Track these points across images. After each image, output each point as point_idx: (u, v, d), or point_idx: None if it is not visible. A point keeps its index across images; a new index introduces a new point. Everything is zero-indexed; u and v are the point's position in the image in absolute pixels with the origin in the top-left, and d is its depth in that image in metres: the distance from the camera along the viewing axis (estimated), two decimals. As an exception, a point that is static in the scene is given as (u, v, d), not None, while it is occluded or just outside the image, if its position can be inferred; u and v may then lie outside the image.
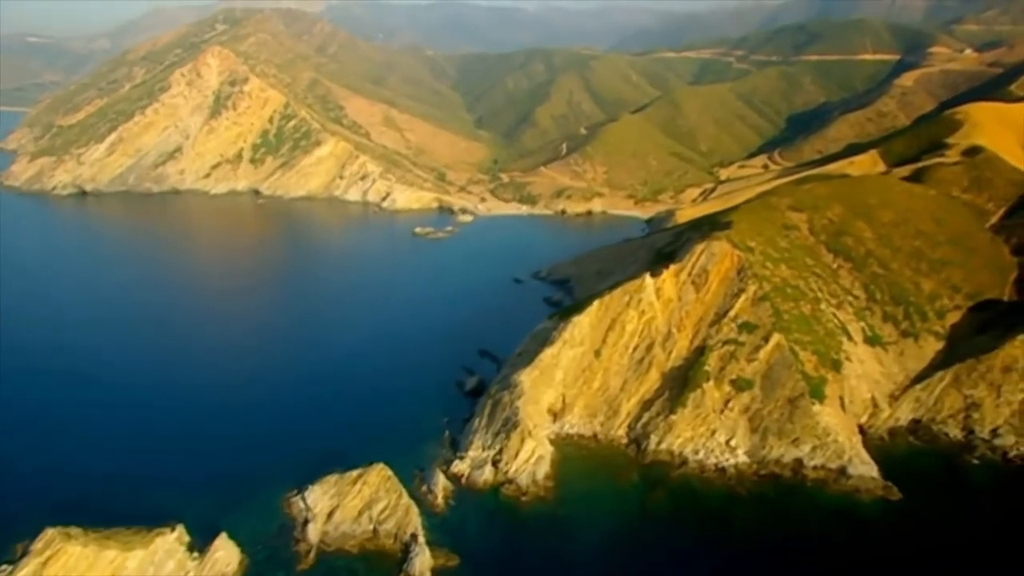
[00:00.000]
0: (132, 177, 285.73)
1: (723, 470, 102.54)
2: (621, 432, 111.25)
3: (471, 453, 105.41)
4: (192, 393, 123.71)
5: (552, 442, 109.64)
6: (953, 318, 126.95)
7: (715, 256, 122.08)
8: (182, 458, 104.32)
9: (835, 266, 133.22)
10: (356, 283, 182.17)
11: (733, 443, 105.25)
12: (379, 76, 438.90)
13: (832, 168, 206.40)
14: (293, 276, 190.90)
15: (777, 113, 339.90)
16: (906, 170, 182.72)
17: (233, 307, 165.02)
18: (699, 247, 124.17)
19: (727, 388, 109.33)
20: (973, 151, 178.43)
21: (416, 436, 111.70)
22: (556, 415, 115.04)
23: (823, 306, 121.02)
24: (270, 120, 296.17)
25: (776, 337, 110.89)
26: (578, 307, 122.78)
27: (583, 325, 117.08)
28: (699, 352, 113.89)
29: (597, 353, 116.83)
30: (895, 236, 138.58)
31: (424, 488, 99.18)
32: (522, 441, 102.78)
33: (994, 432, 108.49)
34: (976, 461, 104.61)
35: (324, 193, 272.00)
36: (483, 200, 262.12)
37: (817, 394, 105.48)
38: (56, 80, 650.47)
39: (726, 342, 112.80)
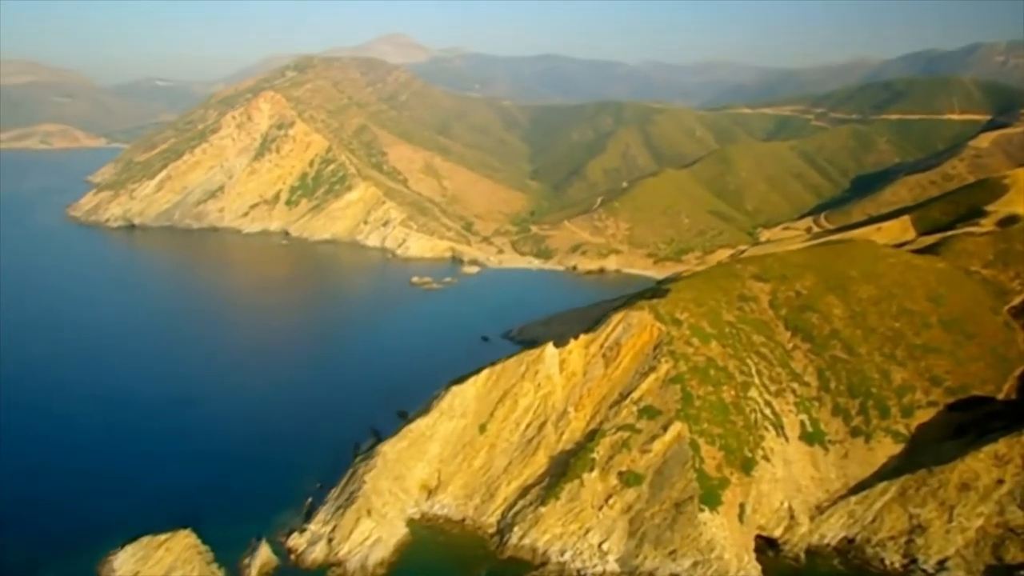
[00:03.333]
0: (177, 213, 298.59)
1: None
2: (493, 519, 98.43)
3: (312, 527, 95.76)
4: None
5: (414, 523, 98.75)
6: (924, 417, 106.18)
7: (631, 328, 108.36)
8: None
9: (790, 346, 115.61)
10: (318, 329, 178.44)
11: (606, 547, 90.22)
12: (445, 124, 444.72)
13: (857, 234, 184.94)
14: (260, 316, 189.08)
15: (843, 173, 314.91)
16: (933, 239, 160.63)
17: (177, 342, 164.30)
18: (616, 317, 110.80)
19: (613, 481, 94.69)
20: (1010, 220, 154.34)
21: (282, 500, 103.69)
22: (431, 492, 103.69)
23: (753, 393, 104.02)
24: (310, 164, 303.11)
25: (677, 427, 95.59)
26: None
27: (466, 395, 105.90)
28: (592, 436, 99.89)
29: (482, 428, 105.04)
30: (871, 315, 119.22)
31: (246, 561, 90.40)
32: (357, 520, 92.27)
33: (941, 564, 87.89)
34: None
35: (348, 237, 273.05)
36: (500, 252, 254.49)
37: (710, 500, 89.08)
38: (170, 120, 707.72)
39: (621, 427, 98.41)
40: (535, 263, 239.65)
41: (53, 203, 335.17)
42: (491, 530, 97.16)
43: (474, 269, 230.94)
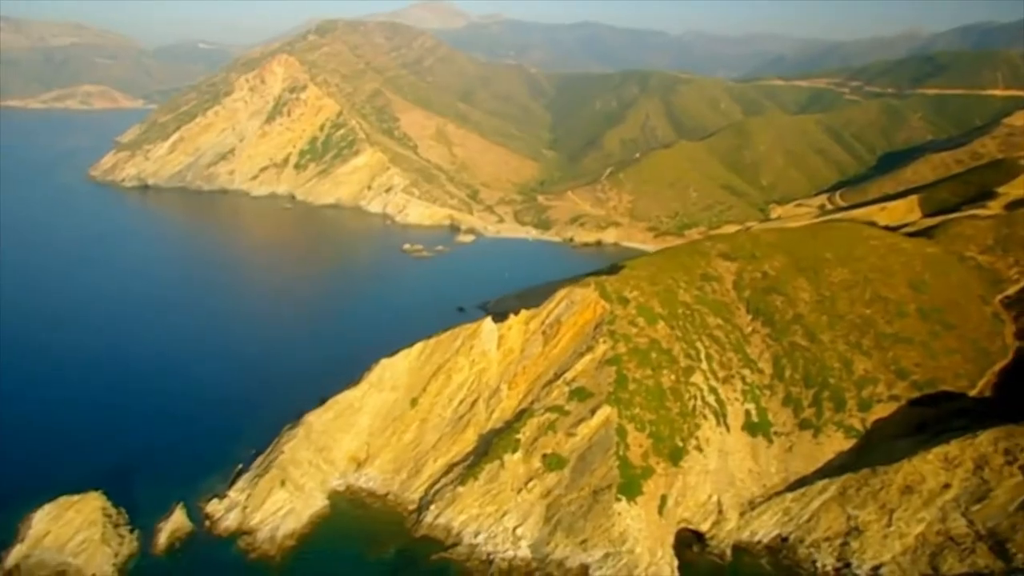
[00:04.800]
0: (189, 174, 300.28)
1: (492, 562, 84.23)
2: (416, 496, 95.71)
3: (231, 494, 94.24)
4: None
5: (338, 495, 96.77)
6: (882, 411, 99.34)
7: (574, 305, 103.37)
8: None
9: (749, 330, 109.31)
10: (297, 294, 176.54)
11: (520, 532, 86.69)
12: (468, 91, 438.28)
13: (860, 214, 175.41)
14: (241, 280, 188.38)
15: (870, 150, 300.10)
16: (935, 220, 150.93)
17: (150, 303, 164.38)
18: (560, 293, 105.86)
19: (536, 464, 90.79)
20: (1019, 203, 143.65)
21: (217, 464, 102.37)
22: (360, 465, 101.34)
23: (697, 378, 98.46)
24: (321, 128, 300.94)
25: (605, 411, 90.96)
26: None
27: (397, 368, 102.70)
28: (522, 416, 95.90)
29: (414, 402, 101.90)
30: (841, 300, 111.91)
31: (160, 525, 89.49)
32: (270, 490, 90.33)
33: (875, 570, 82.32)
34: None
35: (352, 202, 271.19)
36: (500, 221, 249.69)
37: (630, 489, 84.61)
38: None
39: (550, 409, 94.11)
40: (532, 233, 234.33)
41: (79, 163, 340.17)
42: (412, 507, 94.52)
43: (469, 238, 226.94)
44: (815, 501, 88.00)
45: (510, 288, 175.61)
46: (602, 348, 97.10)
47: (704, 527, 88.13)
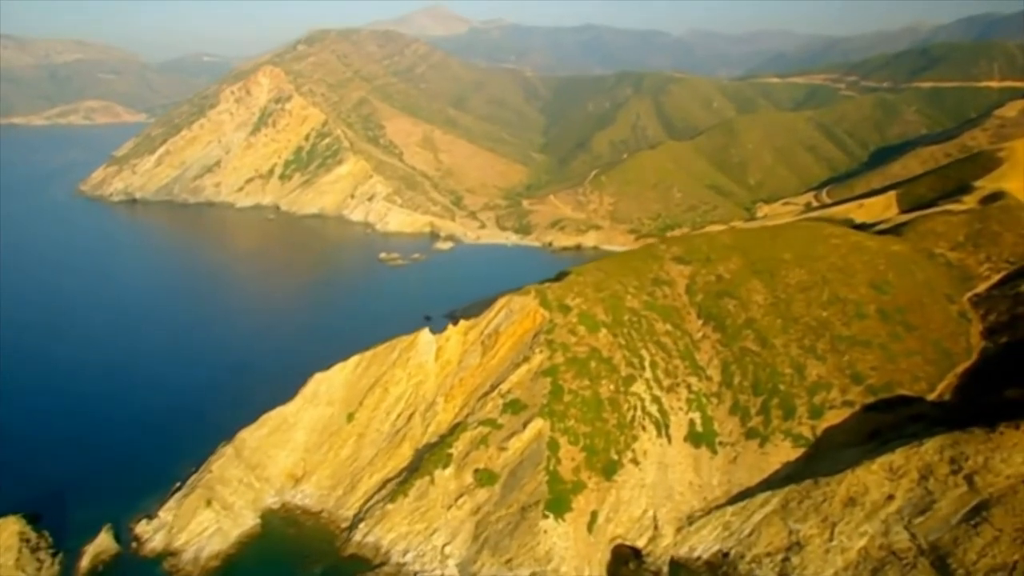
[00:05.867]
0: (176, 187, 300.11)
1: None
2: (350, 513, 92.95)
3: (161, 514, 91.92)
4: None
5: (272, 513, 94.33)
6: (834, 418, 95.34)
7: (513, 314, 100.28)
8: None
9: (699, 336, 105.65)
10: (265, 306, 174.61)
11: (448, 550, 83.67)
12: (461, 97, 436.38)
13: (837, 211, 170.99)
14: (210, 292, 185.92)
15: (862, 145, 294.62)
16: (910, 216, 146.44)
17: (115, 315, 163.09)
18: (500, 302, 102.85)
19: (468, 480, 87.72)
20: (994, 197, 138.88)
21: (157, 483, 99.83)
22: (298, 481, 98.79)
23: (639, 387, 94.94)
24: (306, 138, 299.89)
25: (537, 424, 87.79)
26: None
27: (332, 382, 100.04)
28: (455, 430, 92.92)
29: (350, 416, 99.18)
30: (797, 302, 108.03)
31: (86, 547, 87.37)
32: (195, 510, 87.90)
33: (816, 587, 78.11)
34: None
35: (335, 212, 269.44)
36: (482, 227, 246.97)
37: (558, 506, 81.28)
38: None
39: (483, 422, 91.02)
40: (512, 239, 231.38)
41: (71, 178, 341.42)
42: (345, 524, 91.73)
43: (447, 245, 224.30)
44: (757, 514, 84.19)
45: (486, 295, 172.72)
46: (538, 358, 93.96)
47: (640, 543, 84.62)
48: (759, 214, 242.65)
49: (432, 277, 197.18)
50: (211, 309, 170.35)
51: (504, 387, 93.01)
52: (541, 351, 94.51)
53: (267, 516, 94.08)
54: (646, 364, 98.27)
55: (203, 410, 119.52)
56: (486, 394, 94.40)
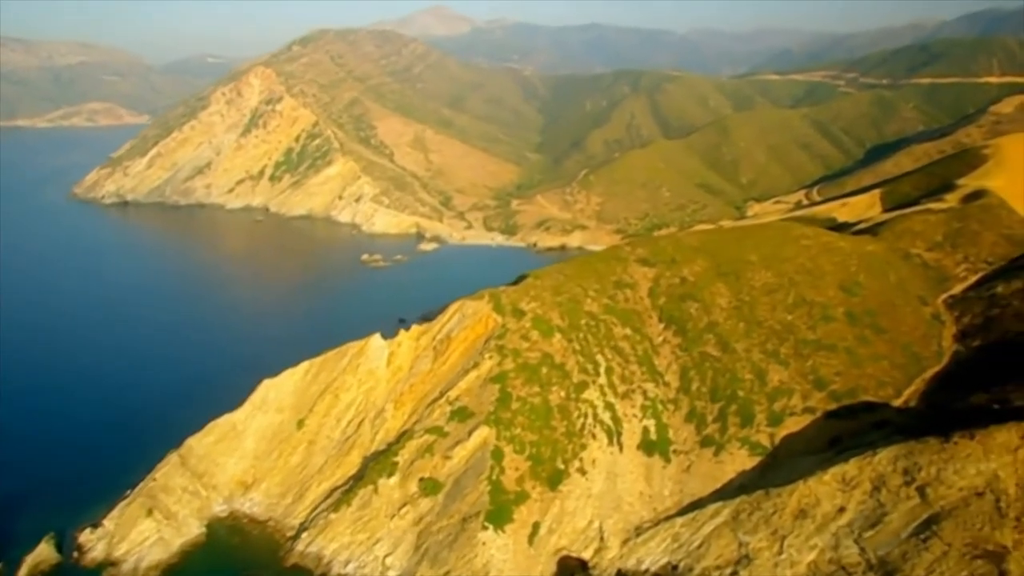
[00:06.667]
0: (168, 189, 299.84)
1: (357, 595, 79.21)
2: (297, 522, 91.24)
3: (106, 522, 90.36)
4: None
5: (219, 521, 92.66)
6: (794, 425, 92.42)
7: (465, 319, 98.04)
8: None
9: (660, 340, 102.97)
10: (241, 309, 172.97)
11: (389, 561, 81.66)
12: (458, 97, 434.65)
13: (821, 210, 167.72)
14: (187, 295, 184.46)
15: (858, 143, 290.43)
16: (892, 216, 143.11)
17: (86, 319, 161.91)
18: (453, 306, 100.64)
19: (412, 489, 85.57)
20: (975, 196, 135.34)
21: (112, 490, 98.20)
22: (247, 489, 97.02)
23: (592, 394, 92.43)
24: (296, 139, 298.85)
25: (483, 432, 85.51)
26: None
27: (282, 389, 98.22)
28: (402, 437, 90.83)
29: (300, 423, 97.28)
30: (762, 305, 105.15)
31: (26, 557, 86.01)
32: (136, 519, 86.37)
33: (762, 603, 75.37)
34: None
35: (324, 213, 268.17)
36: (468, 227, 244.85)
37: (499, 517, 79.02)
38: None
39: (430, 430, 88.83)
40: (497, 239, 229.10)
41: (67, 180, 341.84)
42: (291, 533, 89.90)
43: (431, 246, 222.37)
44: (707, 526, 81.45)
45: (460, 296, 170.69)
46: (488, 364, 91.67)
47: (586, 555, 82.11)
48: (750, 213, 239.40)
49: (412, 279, 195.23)
50: (185, 312, 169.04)
51: (452, 394, 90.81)
52: (491, 357, 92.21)
53: (214, 525, 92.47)
54: (601, 370, 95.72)
55: (166, 414, 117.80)
56: (435, 401, 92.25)
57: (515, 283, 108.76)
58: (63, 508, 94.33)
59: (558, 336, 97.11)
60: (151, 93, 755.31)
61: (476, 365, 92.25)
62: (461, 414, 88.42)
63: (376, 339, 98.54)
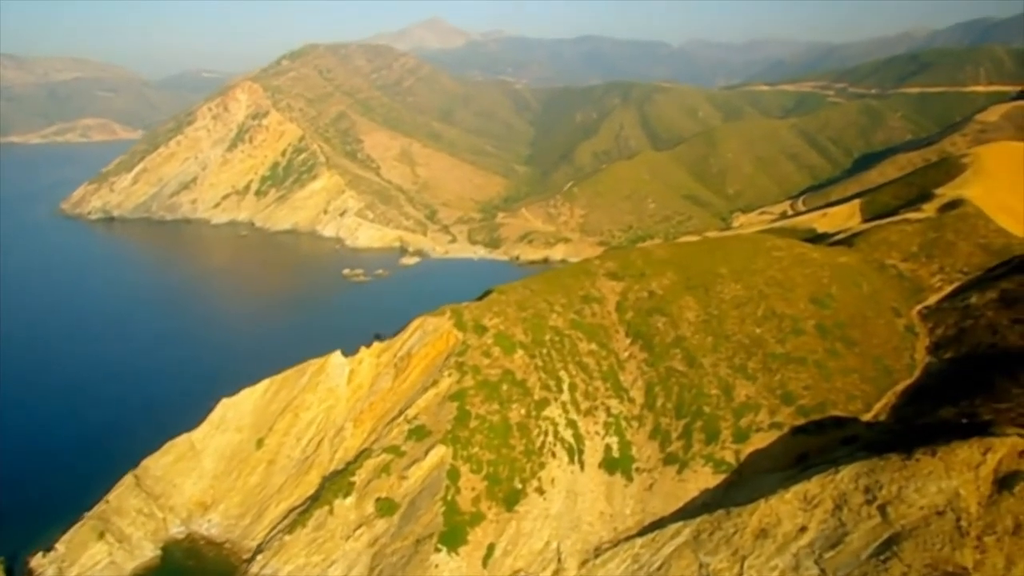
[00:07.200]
0: (154, 205, 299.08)
1: (308, 621, 77.16)
2: (255, 543, 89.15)
3: (58, 546, 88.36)
4: None
5: (176, 543, 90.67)
6: (760, 442, 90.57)
7: (426, 336, 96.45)
8: None
9: (626, 355, 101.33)
10: (213, 326, 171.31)
11: (344, 585, 79.50)
12: (449, 110, 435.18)
13: (801, 221, 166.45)
14: (160, 312, 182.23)
15: (846, 152, 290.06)
16: (868, 226, 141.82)
17: (57, 335, 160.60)
18: (414, 323, 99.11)
19: (369, 509, 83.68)
20: (952, 205, 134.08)
21: (71, 512, 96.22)
22: (206, 510, 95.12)
23: (553, 411, 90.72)
24: (283, 153, 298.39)
25: (439, 451, 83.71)
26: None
27: (241, 408, 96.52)
28: (359, 457, 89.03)
29: (260, 442, 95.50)
30: (730, 319, 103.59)
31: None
32: (86, 543, 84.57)
33: (724, 626, 73.31)
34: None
35: (308, 227, 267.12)
36: (452, 241, 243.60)
37: (453, 538, 77.07)
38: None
39: (387, 449, 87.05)
40: (480, 252, 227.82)
41: (55, 196, 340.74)
42: (247, 555, 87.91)
43: (412, 260, 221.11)
44: (667, 546, 79.42)
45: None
46: (447, 382, 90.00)
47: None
48: (735, 224, 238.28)
49: (392, 293, 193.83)
50: (160, 328, 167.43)
51: (411, 412, 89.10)
52: (450, 374, 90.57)
53: (170, 547, 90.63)
54: (564, 386, 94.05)
55: (134, 431, 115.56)
56: (394, 419, 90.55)
57: (480, 298, 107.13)
58: (18, 531, 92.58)
59: (520, 352, 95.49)
60: (146, 108, 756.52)
61: (435, 383, 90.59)
62: (419, 433, 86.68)
63: (336, 356, 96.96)
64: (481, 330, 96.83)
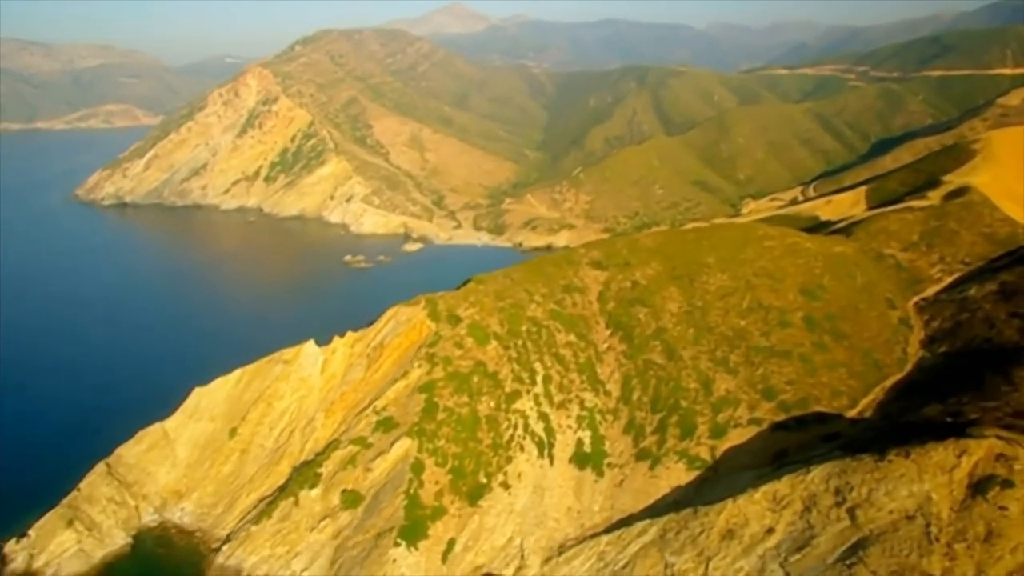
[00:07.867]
0: (166, 190, 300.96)
1: (270, 612, 76.69)
2: (224, 533, 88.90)
3: (31, 532, 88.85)
4: None
5: (149, 532, 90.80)
6: (738, 438, 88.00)
7: (399, 326, 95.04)
8: None
9: (605, 347, 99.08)
10: (210, 313, 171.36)
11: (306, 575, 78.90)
12: (463, 95, 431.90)
13: (804, 208, 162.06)
14: (158, 298, 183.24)
15: (863, 137, 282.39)
16: (870, 214, 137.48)
17: (56, 321, 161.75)
18: (388, 313, 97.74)
19: (335, 501, 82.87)
20: (958, 193, 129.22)
21: (51, 499, 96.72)
22: (180, 498, 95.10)
23: (524, 403, 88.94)
24: (292, 139, 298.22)
25: (404, 443, 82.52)
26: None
27: (214, 397, 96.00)
28: (327, 448, 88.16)
29: (232, 432, 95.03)
30: (714, 310, 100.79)
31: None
32: (54, 530, 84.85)
33: (680, 628, 71.49)
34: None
35: (316, 213, 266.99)
36: (457, 227, 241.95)
37: (413, 533, 75.97)
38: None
39: (354, 440, 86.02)
40: (484, 239, 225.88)
41: (72, 182, 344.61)
42: (216, 544, 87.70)
43: (415, 247, 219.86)
44: (633, 545, 77.51)
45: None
46: (416, 373, 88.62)
47: (505, 574, 78.64)
48: (744, 210, 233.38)
49: (393, 280, 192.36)
50: (162, 314, 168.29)
51: (379, 403, 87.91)
52: (420, 366, 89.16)
53: (142, 535, 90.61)
54: (538, 379, 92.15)
55: (123, 418, 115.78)
56: (363, 410, 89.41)
57: (459, 288, 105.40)
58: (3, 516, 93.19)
59: (494, 344, 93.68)
60: (168, 94, 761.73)
61: (405, 374, 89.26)
62: (386, 424, 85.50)
63: (310, 346, 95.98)
64: (455, 320, 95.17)
